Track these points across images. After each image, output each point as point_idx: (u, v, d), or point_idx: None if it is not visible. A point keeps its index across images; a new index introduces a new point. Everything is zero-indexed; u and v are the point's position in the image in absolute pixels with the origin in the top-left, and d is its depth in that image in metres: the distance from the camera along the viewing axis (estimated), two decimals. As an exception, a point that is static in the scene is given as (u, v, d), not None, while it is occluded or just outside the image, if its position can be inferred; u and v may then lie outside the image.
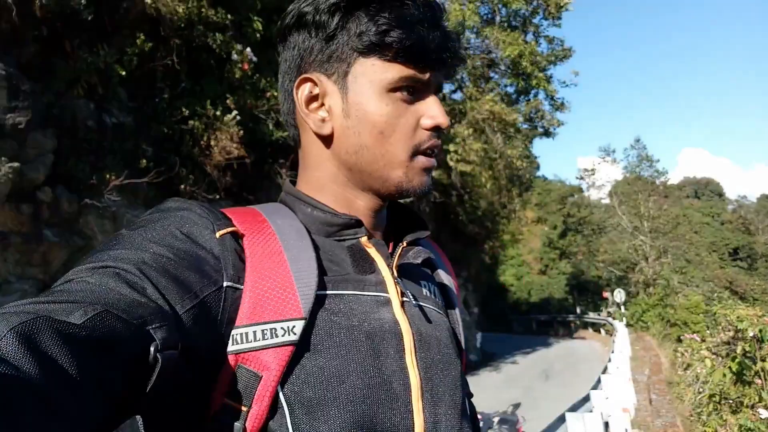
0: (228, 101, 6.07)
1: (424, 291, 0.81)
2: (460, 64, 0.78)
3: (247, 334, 0.62)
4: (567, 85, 20.68)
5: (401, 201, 0.84)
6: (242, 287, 0.64)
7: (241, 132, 5.97)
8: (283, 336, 0.63)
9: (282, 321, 0.64)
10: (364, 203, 0.78)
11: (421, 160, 0.75)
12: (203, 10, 5.76)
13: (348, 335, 0.67)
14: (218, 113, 5.87)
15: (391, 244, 0.81)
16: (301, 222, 0.75)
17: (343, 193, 0.77)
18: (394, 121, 0.73)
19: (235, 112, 5.97)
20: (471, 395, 0.95)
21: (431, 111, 0.75)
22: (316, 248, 0.72)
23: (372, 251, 0.76)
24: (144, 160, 5.36)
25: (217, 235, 0.66)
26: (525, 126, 16.53)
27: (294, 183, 0.82)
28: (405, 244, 0.79)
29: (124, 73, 5.02)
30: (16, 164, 4.26)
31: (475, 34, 15.30)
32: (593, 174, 34.59)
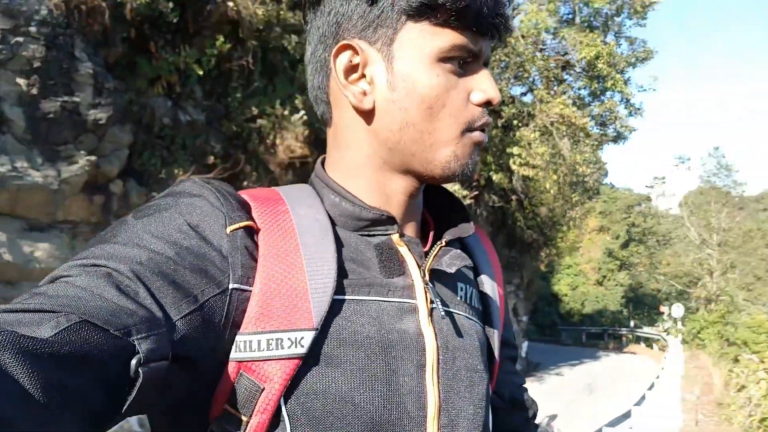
0: (297, 101, 6.19)
1: (459, 295, 0.74)
2: (509, 33, 0.71)
3: (251, 342, 0.58)
4: (645, 90, 19.81)
5: (444, 185, 0.77)
6: (251, 289, 0.59)
7: (307, 132, 6.10)
8: (289, 348, 0.58)
9: (290, 331, 0.59)
10: (400, 187, 0.70)
11: (474, 136, 0.68)
12: (281, 12, 5.89)
13: (363, 348, 0.62)
14: (286, 113, 6.02)
15: (429, 241, 0.75)
16: (327, 212, 0.68)
17: (378, 176, 0.70)
18: (445, 94, 0.66)
19: (302, 112, 6.09)
20: (525, 389, 0.93)
21: (483, 84, 0.68)
22: (339, 245, 0.66)
23: (403, 250, 0.69)
24: (212, 156, 5.57)
25: (229, 230, 0.60)
26: (596, 130, 16.08)
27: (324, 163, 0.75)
28: (444, 244, 0.71)
29: (201, 72, 5.22)
30: (93, 158, 4.51)
31: (552, 35, 14.93)
32: (664, 182, 33.37)
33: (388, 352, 0.63)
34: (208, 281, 0.56)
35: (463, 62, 0.67)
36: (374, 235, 0.69)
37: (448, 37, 0.64)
